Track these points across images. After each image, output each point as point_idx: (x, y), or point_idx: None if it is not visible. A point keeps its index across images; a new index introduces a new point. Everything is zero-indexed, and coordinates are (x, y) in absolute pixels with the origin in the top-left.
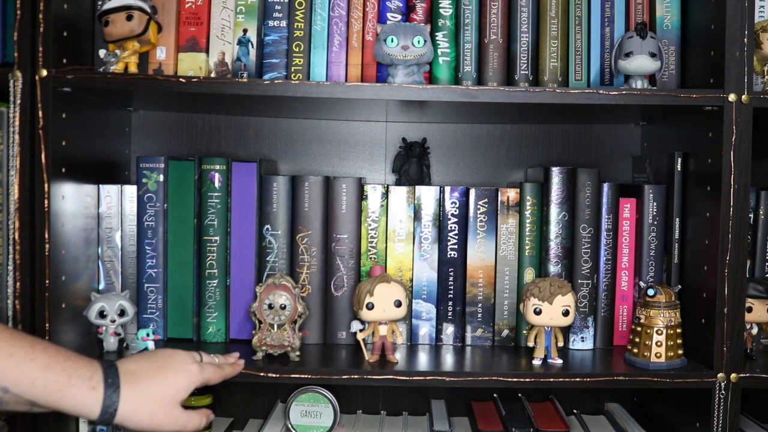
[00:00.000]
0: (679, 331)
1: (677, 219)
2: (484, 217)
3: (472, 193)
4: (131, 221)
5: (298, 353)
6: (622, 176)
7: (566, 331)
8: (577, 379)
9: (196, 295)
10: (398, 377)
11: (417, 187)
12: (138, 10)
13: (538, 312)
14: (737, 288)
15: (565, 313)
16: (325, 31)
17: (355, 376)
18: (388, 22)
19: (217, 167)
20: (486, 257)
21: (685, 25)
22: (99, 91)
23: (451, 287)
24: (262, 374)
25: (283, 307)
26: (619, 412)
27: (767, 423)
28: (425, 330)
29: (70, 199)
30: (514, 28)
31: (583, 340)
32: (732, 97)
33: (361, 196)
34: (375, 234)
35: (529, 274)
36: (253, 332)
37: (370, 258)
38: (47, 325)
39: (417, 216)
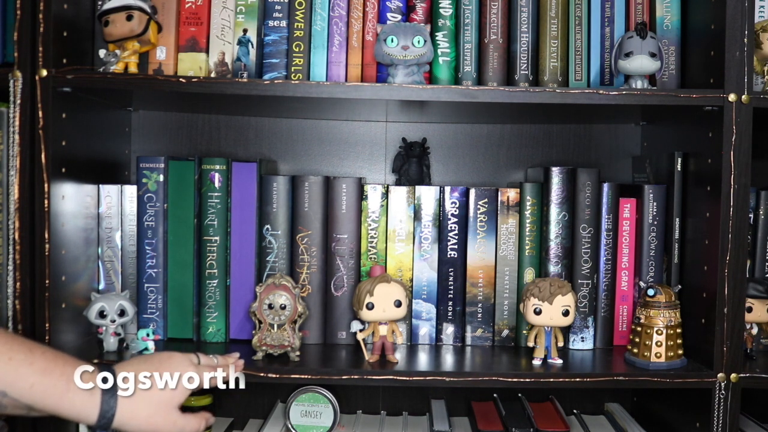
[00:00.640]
0: (679, 331)
1: (677, 219)
2: (484, 217)
3: (472, 193)
4: (131, 221)
5: (298, 353)
6: (622, 176)
7: (566, 331)
8: (577, 379)
9: (196, 295)
10: (398, 377)
11: (417, 187)
12: (138, 10)
13: (538, 312)
14: (737, 288)
15: (565, 313)
16: (325, 31)
17: (355, 376)
18: (388, 22)
19: (217, 167)
20: (486, 257)
21: (685, 25)
22: (99, 91)
23: (451, 287)
24: (262, 374)
25: (283, 307)
26: (619, 412)
27: (767, 423)
28: (425, 330)
29: (70, 199)
30: (514, 28)
31: (583, 340)
32: (732, 97)
33: (361, 196)
34: (375, 234)
35: (529, 274)
36: (253, 332)
37: (370, 258)
38: (47, 325)
39: (417, 216)
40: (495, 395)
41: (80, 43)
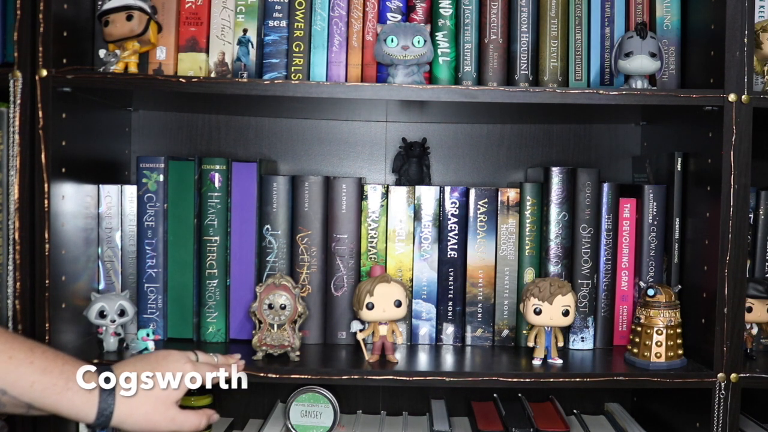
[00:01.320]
0: (679, 331)
1: (677, 219)
2: (484, 217)
3: (472, 193)
4: (131, 221)
5: (298, 353)
6: (622, 176)
7: (566, 331)
8: (577, 379)
9: (196, 295)
10: (398, 377)
11: (417, 187)
12: (138, 10)
13: (538, 312)
14: (737, 288)
15: (565, 313)
16: (325, 31)
17: (355, 376)
18: (388, 22)
19: (217, 167)
20: (486, 257)
21: (685, 25)
22: (99, 91)
23: (451, 287)
24: (262, 374)
25: (283, 307)
26: (619, 412)
27: (767, 423)
28: (425, 330)
29: (70, 199)
30: (514, 28)
31: (583, 340)
32: (732, 97)
33: (361, 196)
34: (375, 234)
35: (529, 274)
36: (253, 332)
37: (370, 258)
38: (47, 325)
39: (417, 216)
40: (495, 395)
41: (80, 43)
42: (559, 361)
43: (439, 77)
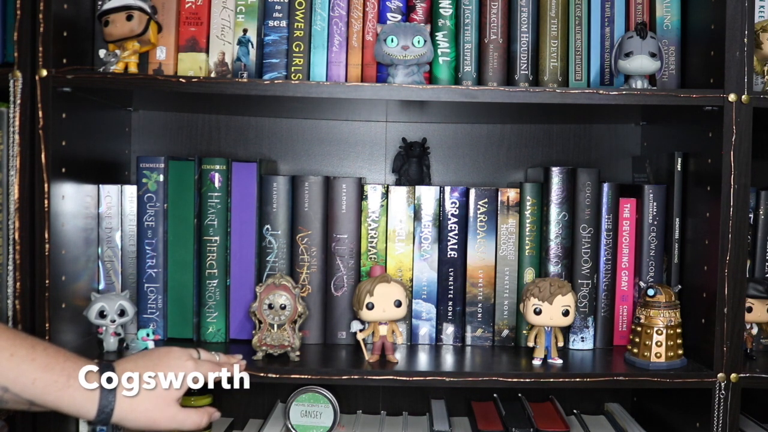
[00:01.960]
0: (679, 331)
1: (677, 219)
2: (484, 217)
3: (472, 193)
4: (131, 221)
5: (298, 353)
6: (622, 176)
7: (566, 331)
8: (577, 379)
9: (196, 295)
10: (398, 377)
11: (417, 187)
12: (138, 10)
13: (538, 312)
14: (737, 288)
15: (565, 313)
16: (325, 31)
17: (355, 376)
18: (388, 22)
19: (217, 167)
20: (486, 257)
21: (685, 25)
22: (99, 91)
23: (451, 287)
24: (262, 374)
25: (283, 307)
26: (619, 412)
27: (767, 423)
28: (425, 330)
29: (70, 199)
30: (514, 28)
31: (583, 340)
32: (732, 97)
33: (361, 196)
34: (375, 234)
35: (529, 274)
36: (253, 332)
37: (370, 258)
38: (47, 325)
39: (417, 216)
40: (495, 395)
41: (80, 43)
42: (559, 361)
43: (439, 77)
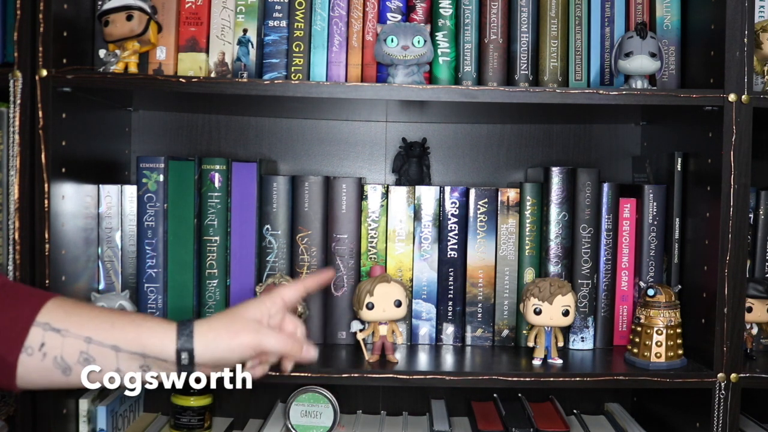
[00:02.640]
0: (679, 331)
1: (677, 219)
2: (484, 217)
3: (472, 193)
4: (131, 221)
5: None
6: (622, 176)
7: (566, 331)
8: (577, 379)
9: (196, 295)
10: (398, 377)
11: (417, 187)
12: (138, 10)
13: (538, 312)
14: (737, 288)
15: (565, 313)
16: (325, 31)
17: (355, 376)
18: (388, 22)
19: (217, 167)
20: (486, 257)
21: (685, 25)
22: (99, 91)
23: (451, 287)
24: None
25: None
26: (619, 412)
27: (767, 423)
28: (425, 330)
29: (70, 199)
30: (514, 28)
31: (583, 340)
32: (732, 97)
33: (361, 196)
34: (375, 234)
35: (529, 274)
36: None
37: (370, 258)
38: None
39: (417, 216)
40: (495, 395)
41: (80, 43)
42: (559, 361)
43: (439, 77)
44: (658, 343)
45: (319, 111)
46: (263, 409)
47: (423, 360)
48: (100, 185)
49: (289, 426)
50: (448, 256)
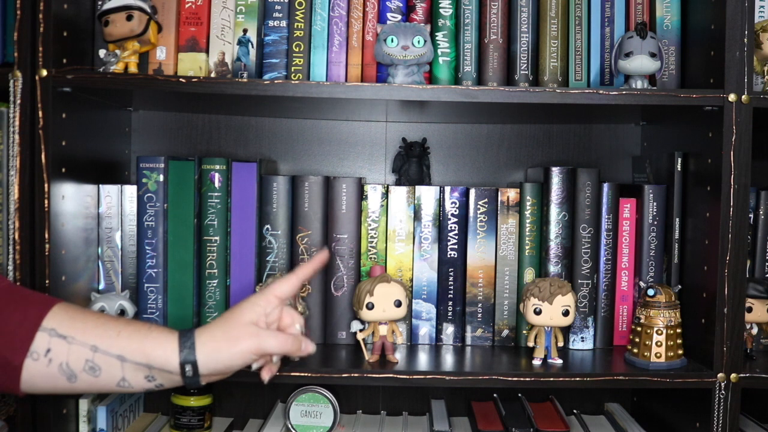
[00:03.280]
0: (679, 331)
1: (677, 219)
2: (484, 217)
3: (472, 193)
4: (131, 221)
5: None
6: (622, 176)
7: (566, 331)
8: (577, 379)
9: (196, 295)
10: (398, 377)
11: (417, 187)
12: (138, 10)
13: (538, 312)
14: (737, 288)
15: (565, 313)
16: (325, 31)
17: (355, 376)
18: (388, 22)
19: (217, 167)
20: (486, 257)
21: (685, 25)
22: (99, 91)
23: (451, 287)
24: None
25: None
26: (619, 412)
27: (767, 423)
28: (425, 330)
29: (70, 199)
30: (514, 28)
31: (583, 340)
32: (732, 97)
33: (361, 196)
34: (375, 234)
35: (529, 274)
36: None
37: (370, 258)
38: None
39: (417, 216)
40: (495, 395)
41: (80, 43)
42: (559, 361)
43: (439, 77)
44: (658, 343)
45: (319, 111)
46: (263, 409)
47: (423, 360)
48: (100, 185)
49: (289, 426)
50: (448, 256)
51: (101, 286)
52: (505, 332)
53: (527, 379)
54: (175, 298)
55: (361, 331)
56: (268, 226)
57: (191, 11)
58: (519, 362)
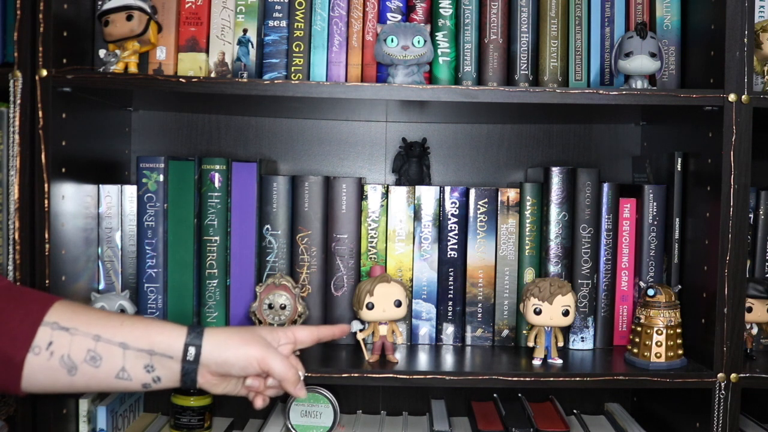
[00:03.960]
0: (679, 331)
1: (677, 219)
2: (484, 217)
3: (472, 193)
4: (131, 221)
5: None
6: (622, 176)
7: (566, 331)
8: (577, 379)
9: (196, 295)
10: (398, 377)
11: (417, 187)
12: (138, 10)
13: (538, 312)
14: (737, 288)
15: (565, 313)
16: (325, 31)
17: (355, 376)
18: (388, 22)
19: (217, 167)
20: (486, 257)
21: (685, 25)
22: (99, 91)
23: (451, 287)
24: None
25: (283, 307)
26: (619, 412)
27: (767, 423)
28: (425, 330)
29: (70, 199)
30: (514, 28)
31: (583, 340)
32: (732, 97)
33: (361, 196)
34: (375, 234)
35: (529, 274)
36: None
37: (370, 258)
38: None
39: (417, 216)
40: (495, 395)
41: (80, 43)
42: (559, 361)
43: (439, 77)
44: (658, 343)
45: (319, 111)
46: (263, 409)
47: (423, 360)
48: (100, 185)
49: (289, 426)
50: (448, 256)
51: (101, 286)
52: (505, 332)
53: (527, 379)
54: (175, 298)
55: (361, 331)
56: (268, 226)
57: (191, 11)
58: (519, 362)
